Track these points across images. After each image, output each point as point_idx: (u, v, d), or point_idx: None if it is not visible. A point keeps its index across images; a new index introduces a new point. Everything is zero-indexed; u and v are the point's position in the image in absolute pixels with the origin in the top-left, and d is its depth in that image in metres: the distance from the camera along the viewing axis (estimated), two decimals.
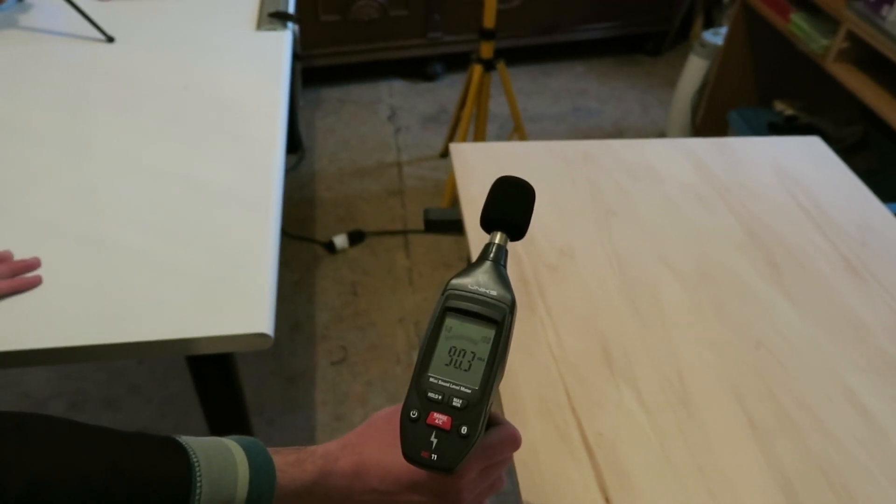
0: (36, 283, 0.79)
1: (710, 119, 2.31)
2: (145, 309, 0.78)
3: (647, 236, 0.92)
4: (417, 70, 2.91)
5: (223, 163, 0.99)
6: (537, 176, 1.02)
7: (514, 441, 0.51)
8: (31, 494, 0.39)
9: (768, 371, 0.75)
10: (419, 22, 2.74)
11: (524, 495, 0.62)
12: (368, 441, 0.51)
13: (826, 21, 1.74)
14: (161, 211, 0.90)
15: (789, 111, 2.04)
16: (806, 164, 1.08)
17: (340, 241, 2.08)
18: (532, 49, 2.96)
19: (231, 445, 0.47)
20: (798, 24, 1.82)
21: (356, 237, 2.11)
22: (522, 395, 0.71)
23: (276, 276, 0.84)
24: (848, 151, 1.91)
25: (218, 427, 0.96)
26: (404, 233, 2.16)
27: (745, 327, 0.80)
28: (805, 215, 0.97)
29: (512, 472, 0.65)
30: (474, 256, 0.89)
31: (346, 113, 2.70)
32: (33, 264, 0.81)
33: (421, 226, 2.17)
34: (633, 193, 0.99)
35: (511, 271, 0.85)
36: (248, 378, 1.67)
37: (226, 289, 0.81)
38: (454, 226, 0.99)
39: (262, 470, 0.47)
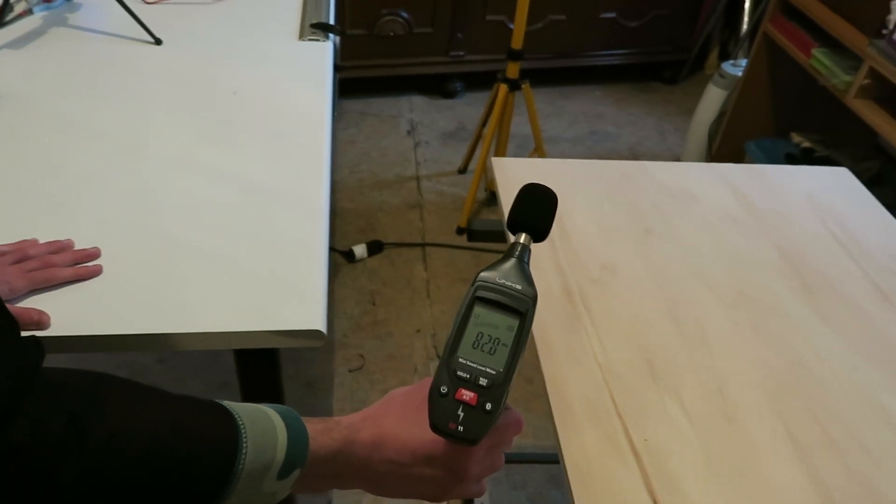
0: (97, 272, 0.82)
1: (726, 148, 2.35)
2: (201, 302, 0.80)
3: (685, 255, 0.95)
4: (437, 87, 2.96)
5: (273, 166, 1.02)
6: (576, 193, 1.05)
7: (518, 425, 0.55)
8: (109, 444, 0.42)
9: (806, 389, 0.78)
10: (443, 40, 2.79)
11: (575, 495, 0.65)
12: (387, 416, 0.54)
13: (848, 57, 1.79)
14: (215, 209, 0.93)
15: (806, 144, 2.08)
16: (836, 193, 1.11)
17: (360, 250, 2.11)
18: (551, 71, 3.01)
19: (269, 412, 0.51)
20: (820, 60, 1.86)
21: (375, 247, 2.14)
22: (571, 400, 0.73)
23: (328, 275, 0.87)
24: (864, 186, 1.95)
25: None
26: (423, 245, 2.19)
27: (782, 347, 0.83)
28: (837, 243, 1.00)
29: (564, 463, 0.67)
30: None
31: (367, 126, 2.74)
32: (94, 254, 0.84)
33: (439, 239, 2.20)
34: (670, 214, 1.02)
35: (555, 283, 0.89)
36: None
37: (280, 286, 0.83)
38: (495, 236, 1.02)
39: (297, 436, 0.50)
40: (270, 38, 1.37)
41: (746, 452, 0.70)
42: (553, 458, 1.67)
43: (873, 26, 1.71)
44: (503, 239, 0.97)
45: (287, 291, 0.82)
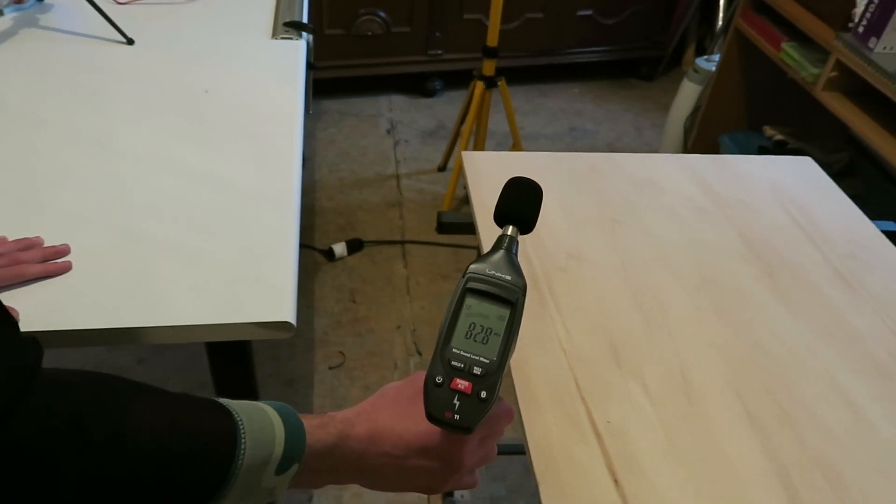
0: (66, 268, 0.82)
1: (701, 142, 2.38)
2: (172, 296, 0.81)
3: (650, 243, 0.97)
4: (417, 86, 2.97)
5: (245, 162, 1.02)
6: (546, 185, 1.05)
7: (509, 415, 0.57)
8: (109, 441, 0.42)
9: (765, 370, 0.80)
10: (421, 39, 2.80)
11: (538, 476, 0.66)
12: (381, 410, 0.55)
13: (816, 50, 1.82)
14: (186, 205, 0.94)
15: (779, 136, 2.11)
16: (799, 182, 1.14)
17: (339, 248, 2.12)
18: (529, 69, 3.03)
19: (266, 408, 0.51)
20: (789, 53, 1.89)
21: (355, 246, 2.15)
22: (535, 384, 0.75)
23: (298, 268, 0.88)
24: (834, 177, 1.98)
25: None
26: (402, 243, 2.20)
27: (743, 330, 0.84)
28: (799, 229, 1.02)
29: (526, 453, 0.69)
30: None
31: (346, 125, 2.75)
32: (63, 251, 0.84)
33: (419, 237, 2.21)
34: (636, 204, 1.04)
35: (522, 270, 0.90)
36: None
37: (250, 279, 0.84)
38: (465, 228, 1.03)
39: (294, 431, 0.50)
40: (243, 37, 1.38)
41: (706, 431, 0.72)
42: None
43: (840, 20, 1.74)
44: (472, 231, 0.99)
45: (258, 284, 0.83)
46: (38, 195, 0.93)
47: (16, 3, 1.39)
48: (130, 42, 1.32)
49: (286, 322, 0.80)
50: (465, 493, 1.52)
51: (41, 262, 0.82)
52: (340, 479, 0.54)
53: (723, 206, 1.06)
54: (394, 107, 2.90)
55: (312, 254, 2.13)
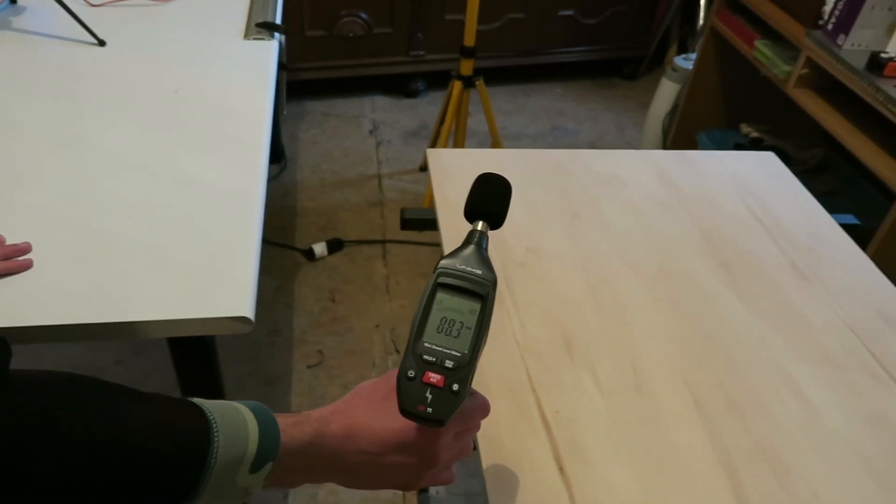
0: (27, 266, 0.83)
1: (680, 140, 2.40)
2: (133, 293, 0.82)
3: (610, 237, 0.98)
4: (399, 86, 2.98)
5: (211, 161, 1.03)
6: (509, 180, 1.07)
7: (485, 409, 0.57)
8: (82, 444, 0.43)
9: (716, 361, 0.81)
10: (403, 40, 2.81)
11: (486, 465, 0.67)
12: (356, 408, 0.55)
13: (788, 48, 1.84)
14: (150, 203, 0.94)
15: (755, 134, 2.13)
16: (761, 177, 1.15)
17: (320, 248, 2.12)
18: (512, 70, 3.05)
19: (240, 407, 0.51)
20: (762, 51, 1.91)
21: (335, 245, 2.16)
22: (487, 375, 0.76)
23: (258, 265, 0.89)
24: (809, 174, 2.00)
25: None
26: (382, 242, 2.21)
27: (696, 322, 0.86)
28: (758, 223, 1.04)
29: (475, 448, 0.70)
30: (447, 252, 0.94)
31: (329, 126, 2.76)
32: (24, 249, 0.85)
33: (399, 236, 2.22)
34: (598, 199, 1.06)
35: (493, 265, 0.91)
36: (227, 379, 1.68)
37: (211, 276, 0.85)
38: (428, 224, 1.04)
39: (268, 429, 0.51)
40: (215, 38, 1.39)
41: (653, 420, 0.73)
42: None
43: (810, 18, 1.76)
44: (435, 227, 1.00)
45: (219, 281, 0.84)
46: (6, 194, 0.94)
47: None
48: (102, 43, 1.33)
49: (244, 317, 0.81)
50: (440, 488, 1.53)
51: (2, 259, 0.82)
52: (316, 477, 0.55)
53: (684, 201, 1.07)
54: (376, 107, 2.91)
55: (293, 254, 2.14)
